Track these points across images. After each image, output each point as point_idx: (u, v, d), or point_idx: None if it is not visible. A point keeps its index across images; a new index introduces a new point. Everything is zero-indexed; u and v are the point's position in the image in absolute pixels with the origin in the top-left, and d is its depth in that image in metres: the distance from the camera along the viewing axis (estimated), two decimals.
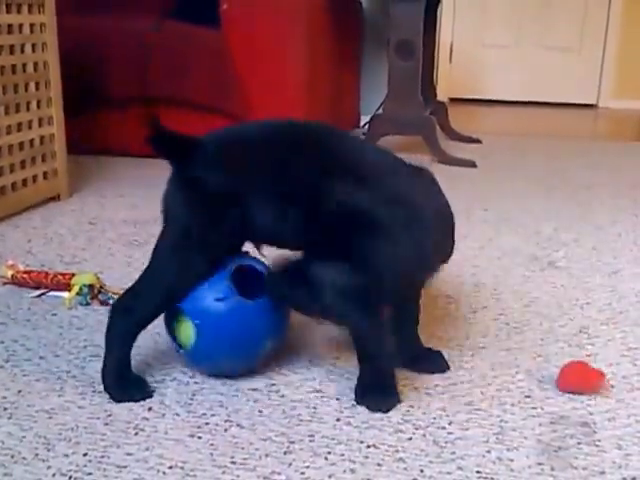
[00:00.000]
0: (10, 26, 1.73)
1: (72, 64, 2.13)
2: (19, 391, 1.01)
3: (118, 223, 1.80)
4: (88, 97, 2.46)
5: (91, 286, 1.32)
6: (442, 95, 3.82)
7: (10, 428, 0.92)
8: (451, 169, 2.59)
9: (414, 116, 2.66)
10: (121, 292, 1.32)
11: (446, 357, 1.12)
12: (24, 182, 1.84)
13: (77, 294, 1.30)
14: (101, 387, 1.02)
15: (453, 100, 4.45)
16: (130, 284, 1.39)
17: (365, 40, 3.43)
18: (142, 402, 0.99)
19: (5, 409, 0.97)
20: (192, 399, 1.00)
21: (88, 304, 1.30)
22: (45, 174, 1.92)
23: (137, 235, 1.72)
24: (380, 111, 2.76)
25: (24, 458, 0.87)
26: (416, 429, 0.95)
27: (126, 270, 1.48)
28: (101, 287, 1.33)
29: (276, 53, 2.40)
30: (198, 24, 2.45)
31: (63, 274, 1.36)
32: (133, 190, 2.13)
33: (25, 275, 1.37)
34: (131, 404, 0.99)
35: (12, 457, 0.87)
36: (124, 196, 2.07)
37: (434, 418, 0.97)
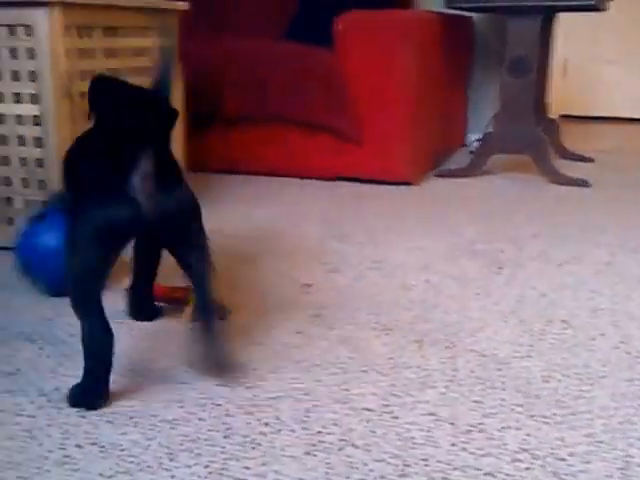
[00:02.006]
0: (139, 49, 1.83)
1: (193, 85, 2.22)
2: (142, 400, 1.06)
3: (232, 239, 1.86)
4: (209, 117, 2.56)
5: None
6: (553, 112, 3.71)
7: (135, 436, 0.97)
8: (563, 189, 2.51)
9: (526, 134, 2.60)
10: (238, 306, 1.38)
11: (564, 385, 1.09)
12: None
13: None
14: (220, 400, 1.06)
15: (564, 117, 4.31)
16: (240, 297, 1.43)
17: (474, 56, 3.39)
18: (259, 417, 1.01)
19: (131, 418, 1.01)
20: (307, 416, 1.02)
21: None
22: None
23: (248, 251, 1.76)
24: (490, 129, 2.71)
25: (149, 467, 0.90)
26: (534, 459, 0.92)
27: (239, 284, 1.52)
28: (217, 302, 1.37)
29: (388, 71, 2.41)
30: (312, 44, 2.50)
31: (180, 288, 1.41)
32: (246, 208, 2.19)
33: None
34: (248, 418, 1.01)
35: (137, 465, 0.91)
36: (237, 213, 2.13)
37: (552, 448, 0.94)
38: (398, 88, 2.43)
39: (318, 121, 2.49)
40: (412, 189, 2.51)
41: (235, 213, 2.12)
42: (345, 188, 2.50)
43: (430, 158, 2.77)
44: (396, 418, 1.01)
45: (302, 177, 2.62)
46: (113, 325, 1.03)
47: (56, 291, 1.42)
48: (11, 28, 1.56)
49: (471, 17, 3.25)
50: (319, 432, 0.98)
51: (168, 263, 1.52)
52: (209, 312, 1.11)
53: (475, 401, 1.05)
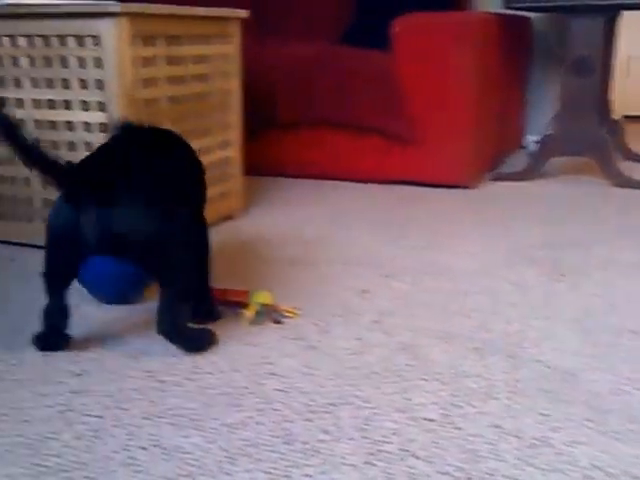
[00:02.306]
0: (201, 56, 1.86)
1: (249, 90, 2.24)
2: (204, 404, 1.07)
3: (288, 243, 1.87)
4: (263, 122, 2.59)
5: (266, 305, 1.38)
6: (616, 112, 3.61)
7: (197, 440, 0.98)
8: (628, 192, 2.44)
9: (589, 136, 2.54)
10: (294, 311, 1.39)
11: (637, 399, 1.05)
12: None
13: (255, 312, 1.36)
14: (278, 405, 1.06)
15: (627, 117, 4.19)
16: (300, 303, 1.44)
17: (532, 57, 3.33)
18: (318, 423, 1.02)
19: (193, 420, 1.03)
20: (366, 424, 1.01)
21: (262, 322, 1.36)
22: (222, 195, 2.03)
23: (305, 255, 1.77)
24: (550, 131, 2.66)
25: (210, 470, 0.91)
26: (607, 476, 0.89)
27: (294, 289, 1.53)
28: (274, 306, 1.38)
29: (444, 73, 2.39)
30: (369, 47, 2.50)
31: (240, 292, 1.43)
32: (300, 211, 2.20)
33: None
34: (307, 424, 1.01)
35: (199, 468, 0.92)
36: (292, 216, 2.14)
37: (626, 466, 0.91)
38: (455, 90, 2.41)
39: (371, 124, 2.48)
40: (467, 192, 2.48)
41: (288, 217, 2.13)
42: (397, 191, 2.48)
43: (486, 161, 2.73)
44: (458, 429, 1.00)
45: (354, 180, 2.61)
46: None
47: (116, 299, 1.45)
48: (79, 38, 1.60)
49: (529, 17, 3.19)
50: (379, 441, 0.97)
51: (224, 267, 1.54)
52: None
53: (541, 414, 1.03)
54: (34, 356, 1.22)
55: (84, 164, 1.18)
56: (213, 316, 1.37)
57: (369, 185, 2.57)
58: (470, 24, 2.39)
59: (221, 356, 1.22)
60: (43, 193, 1.77)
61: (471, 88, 2.42)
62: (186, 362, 1.20)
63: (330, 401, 1.08)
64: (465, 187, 2.52)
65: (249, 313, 1.35)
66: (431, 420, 1.02)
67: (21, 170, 1.75)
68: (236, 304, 1.40)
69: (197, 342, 1.25)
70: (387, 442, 0.97)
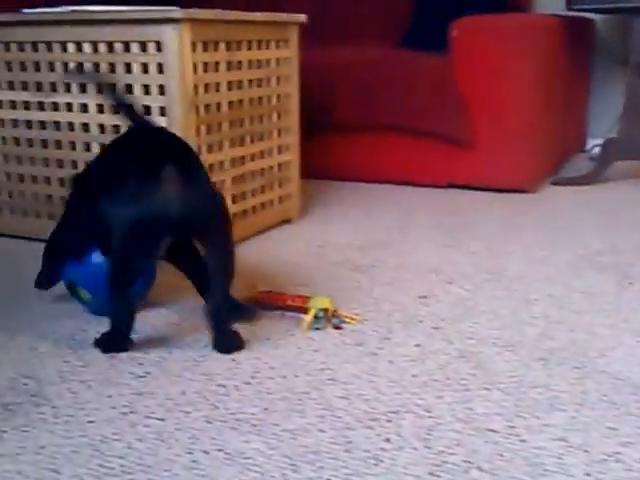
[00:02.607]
0: (260, 61, 1.87)
1: (306, 94, 2.25)
2: (265, 409, 1.07)
3: (344, 247, 1.86)
4: (319, 125, 2.59)
5: (326, 310, 1.37)
6: None
7: (259, 445, 0.98)
8: None
9: None
10: (355, 317, 1.38)
11: None
12: (262, 206, 1.97)
13: (314, 317, 1.36)
14: (339, 411, 1.06)
15: None
16: (358, 308, 1.44)
17: (595, 59, 3.25)
18: (379, 432, 1.00)
19: (254, 425, 1.03)
20: (429, 434, 1.00)
21: (322, 328, 1.35)
22: (280, 198, 2.04)
23: (362, 260, 1.76)
24: (613, 134, 2.59)
25: (273, 477, 0.91)
26: None
27: (355, 294, 1.52)
28: (334, 311, 1.38)
29: (504, 76, 2.35)
30: (428, 50, 2.48)
31: (299, 297, 1.43)
32: (357, 215, 2.19)
33: (264, 295, 1.46)
34: (369, 432, 1.00)
35: (262, 475, 0.92)
36: (349, 220, 2.13)
37: None
38: (515, 93, 2.37)
39: (429, 127, 2.46)
40: (528, 197, 2.43)
41: (346, 221, 2.12)
42: (457, 195, 2.45)
43: (547, 165, 2.67)
44: (524, 442, 0.97)
45: (412, 184, 2.59)
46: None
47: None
48: (142, 44, 1.63)
49: (592, 18, 3.11)
50: (442, 452, 0.96)
51: (283, 271, 1.54)
52: (219, 303, 1.25)
53: (610, 428, 1.00)
54: (98, 358, 1.24)
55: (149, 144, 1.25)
56: (249, 312, 1.39)
57: (428, 189, 2.54)
58: (531, 27, 2.35)
59: (281, 361, 1.22)
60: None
61: (532, 91, 2.37)
62: (245, 366, 1.20)
63: (391, 409, 1.07)
64: (525, 192, 2.47)
65: (308, 318, 1.35)
66: (495, 431, 1.00)
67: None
68: (295, 309, 1.40)
69: (231, 342, 1.27)
70: (450, 453, 0.95)
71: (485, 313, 1.42)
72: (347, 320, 1.37)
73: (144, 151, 1.23)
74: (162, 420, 1.04)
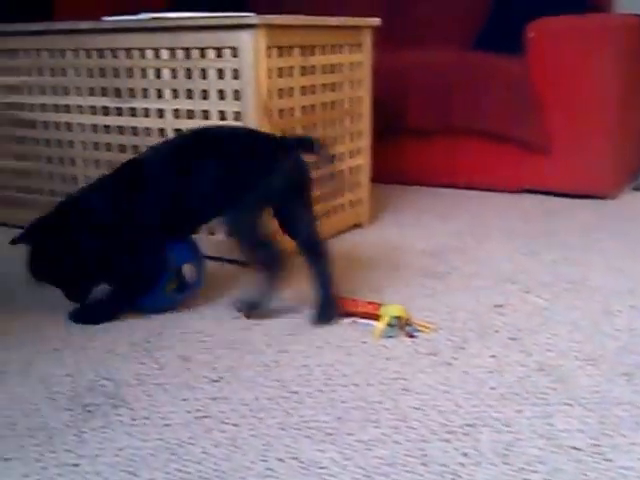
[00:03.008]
0: (333, 66, 1.87)
1: (377, 97, 2.23)
2: (339, 417, 1.06)
3: (417, 253, 1.84)
4: (390, 129, 2.57)
5: (399, 318, 1.35)
6: None
7: (333, 455, 0.97)
8: None
9: None
10: (428, 326, 1.35)
11: None
12: (333, 210, 1.96)
13: (387, 325, 1.34)
14: (415, 423, 1.04)
15: None
16: (432, 316, 1.41)
17: None
18: (456, 445, 0.98)
19: (328, 434, 1.02)
20: (508, 449, 0.97)
21: (395, 336, 1.34)
22: (351, 203, 2.03)
23: (436, 267, 1.73)
24: None
25: None
26: None
27: (428, 302, 1.49)
28: (407, 319, 1.36)
29: (583, 79, 2.28)
30: (503, 52, 2.42)
31: (371, 303, 1.41)
32: (429, 220, 2.16)
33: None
34: (445, 445, 0.98)
35: None
36: (421, 226, 2.10)
37: None
38: (595, 96, 2.28)
39: (503, 131, 2.40)
40: (608, 203, 2.35)
41: (417, 226, 2.09)
42: (532, 201, 2.38)
43: (628, 169, 2.57)
44: (609, 461, 0.93)
45: (486, 189, 2.53)
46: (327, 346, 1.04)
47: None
48: (218, 50, 1.65)
49: None
50: (522, 469, 0.92)
51: (355, 276, 1.52)
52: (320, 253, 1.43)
53: None
54: (173, 361, 1.25)
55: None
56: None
57: (503, 194, 2.48)
58: (611, 27, 2.26)
59: (354, 369, 1.21)
60: None
61: (611, 94, 2.29)
62: (317, 373, 1.20)
63: (468, 422, 1.04)
64: (604, 197, 2.38)
65: (381, 326, 1.34)
66: (578, 449, 0.96)
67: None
68: (367, 316, 1.39)
69: (333, 312, 1.42)
70: (532, 470, 0.92)
71: (564, 324, 1.37)
72: (421, 329, 1.35)
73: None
74: (236, 426, 1.05)
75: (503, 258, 1.78)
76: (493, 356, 1.24)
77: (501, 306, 1.46)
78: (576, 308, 1.45)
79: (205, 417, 1.07)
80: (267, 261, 1.38)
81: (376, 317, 1.37)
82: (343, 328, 1.38)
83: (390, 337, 1.33)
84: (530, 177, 2.44)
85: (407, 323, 1.35)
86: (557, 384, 1.14)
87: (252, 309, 1.41)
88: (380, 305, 1.39)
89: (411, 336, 1.33)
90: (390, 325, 1.34)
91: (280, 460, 0.96)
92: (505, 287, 1.58)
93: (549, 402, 1.08)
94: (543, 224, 2.09)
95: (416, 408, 1.08)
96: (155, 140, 1.81)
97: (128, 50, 1.79)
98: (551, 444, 0.97)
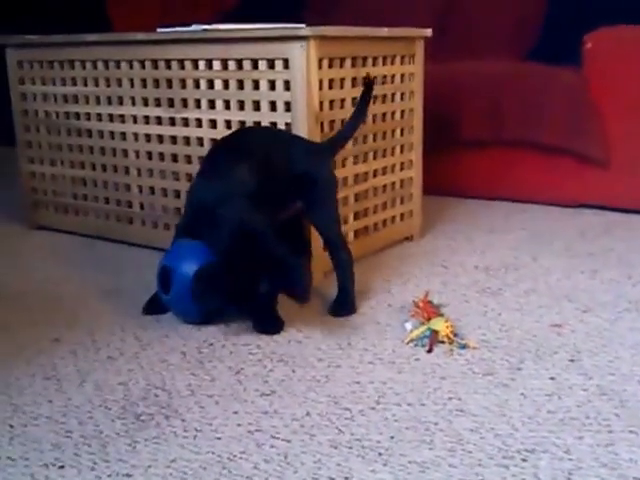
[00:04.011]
0: (384, 77, 1.85)
1: (428, 109, 2.20)
2: (391, 437, 1.04)
3: (469, 268, 1.80)
4: (442, 140, 2.53)
5: (436, 332, 1.33)
6: None
7: (386, 476, 0.95)
8: None
9: None
10: (476, 346, 1.32)
11: None
12: (383, 223, 1.94)
13: (420, 333, 1.34)
14: (470, 446, 1.01)
15: None
16: (486, 334, 1.37)
17: None
18: (514, 471, 0.95)
19: (380, 454, 1.00)
20: (569, 478, 0.93)
21: (421, 346, 1.33)
22: (402, 215, 2.00)
23: (489, 283, 1.69)
24: None
25: None
26: None
27: (482, 320, 1.46)
28: (448, 336, 1.33)
29: None
30: (558, 63, 2.37)
31: (431, 309, 1.40)
32: (481, 234, 2.12)
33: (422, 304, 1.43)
34: (502, 471, 0.95)
35: None
36: (473, 240, 2.06)
37: None
38: None
39: (562, 144, 2.34)
40: None
41: (469, 240, 2.06)
42: (590, 216, 2.32)
43: None
44: None
45: (541, 203, 2.47)
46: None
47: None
48: (270, 61, 1.65)
49: None
50: None
51: (407, 289, 1.49)
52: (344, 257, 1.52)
53: None
54: (224, 373, 1.25)
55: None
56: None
57: (558, 208, 2.41)
58: None
59: (406, 387, 1.19)
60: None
61: None
62: (370, 390, 1.18)
63: (526, 447, 1.00)
64: None
65: (415, 333, 1.35)
66: None
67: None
68: (420, 314, 1.40)
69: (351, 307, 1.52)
70: None
71: (627, 347, 1.32)
72: (470, 349, 1.32)
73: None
74: (288, 442, 1.03)
75: (559, 275, 1.73)
76: (552, 378, 1.20)
77: (559, 326, 1.42)
78: (638, 329, 1.39)
79: (256, 431, 1.06)
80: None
81: (423, 320, 1.37)
82: (395, 344, 1.35)
83: (417, 345, 1.33)
84: (588, 191, 2.37)
85: (446, 340, 1.33)
86: (620, 410, 1.09)
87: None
88: (438, 314, 1.37)
89: (429, 351, 1.31)
90: (423, 336, 1.34)
91: (331, 479, 0.94)
92: (562, 306, 1.53)
93: (612, 429, 1.04)
94: (602, 240, 2.03)
95: (472, 430, 1.05)
96: (207, 150, 1.81)
97: (181, 61, 1.81)
98: (615, 474, 0.93)
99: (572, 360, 1.27)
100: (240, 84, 1.72)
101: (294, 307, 1.52)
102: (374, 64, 1.81)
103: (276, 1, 3.23)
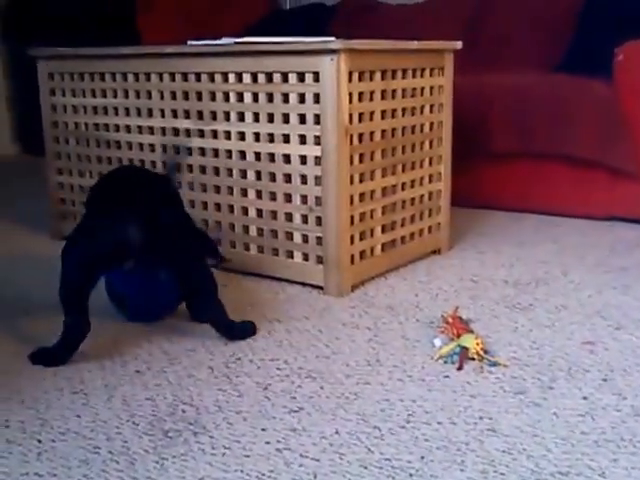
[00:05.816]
0: (414, 89, 1.84)
1: (457, 121, 2.19)
2: (422, 457, 1.03)
3: (499, 283, 1.78)
4: (470, 153, 2.51)
5: (466, 349, 1.31)
6: None
7: None
8: None
9: None
10: (507, 363, 1.30)
11: None
12: (411, 236, 1.93)
13: (450, 350, 1.33)
14: (503, 468, 0.99)
15: None
16: (517, 352, 1.35)
17: None
18: None
19: (410, 475, 0.98)
20: None
21: (451, 363, 1.32)
22: (430, 228, 1.99)
23: (519, 298, 1.67)
24: None
25: None
26: None
27: (512, 336, 1.43)
28: (478, 353, 1.31)
29: None
30: (589, 75, 2.34)
31: (461, 324, 1.38)
32: (510, 247, 2.10)
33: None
34: None
35: None
36: (502, 253, 2.04)
37: None
38: None
39: (592, 156, 2.31)
40: None
41: (498, 254, 2.03)
42: (622, 230, 2.28)
43: None
44: None
45: (572, 216, 2.44)
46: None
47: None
48: (300, 74, 1.65)
49: None
50: None
51: (434, 302, 1.47)
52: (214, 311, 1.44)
53: None
54: (252, 388, 1.24)
55: None
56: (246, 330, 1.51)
57: (590, 222, 2.38)
58: None
59: (436, 405, 1.17)
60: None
61: None
62: (399, 408, 1.16)
63: (560, 470, 0.98)
64: None
65: (445, 350, 1.33)
66: None
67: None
68: (449, 330, 1.38)
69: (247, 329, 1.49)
70: None
71: None
72: (501, 366, 1.30)
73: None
74: (317, 461, 1.02)
75: (591, 291, 1.70)
76: (584, 398, 1.18)
77: (591, 343, 1.40)
78: None
79: (285, 449, 1.05)
80: None
81: (452, 337, 1.36)
82: (424, 361, 1.34)
83: (447, 362, 1.32)
84: (620, 204, 2.33)
85: (481, 357, 1.31)
86: None
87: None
88: (467, 331, 1.36)
89: (459, 368, 1.29)
90: (452, 353, 1.32)
91: None
92: (595, 323, 1.50)
93: None
94: (634, 255, 1.99)
95: (504, 451, 1.03)
96: (235, 162, 1.82)
97: (211, 74, 1.81)
98: None
99: (605, 379, 1.24)
100: (270, 97, 1.72)
101: (323, 322, 1.51)
102: (404, 77, 1.80)
103: (303, 14, 3.24)
